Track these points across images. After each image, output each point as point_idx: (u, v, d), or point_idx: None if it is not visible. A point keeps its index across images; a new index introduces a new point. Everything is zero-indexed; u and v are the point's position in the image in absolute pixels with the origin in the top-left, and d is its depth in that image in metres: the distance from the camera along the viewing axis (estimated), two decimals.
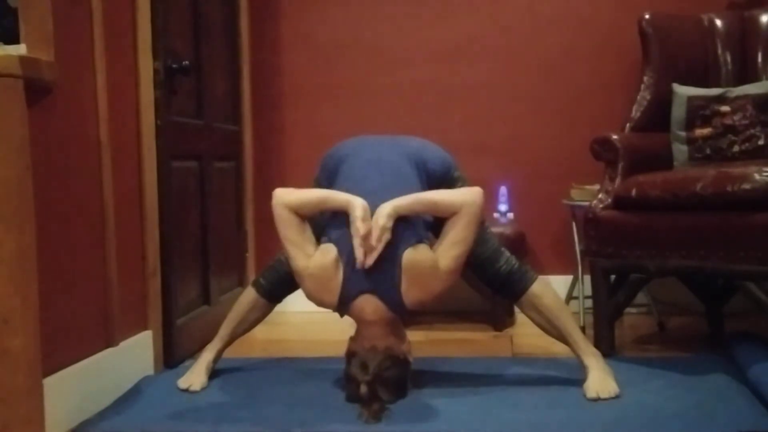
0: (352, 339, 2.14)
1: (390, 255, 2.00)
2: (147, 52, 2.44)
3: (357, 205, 2.00)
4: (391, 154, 2.23)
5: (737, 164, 2.38)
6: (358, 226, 1.96)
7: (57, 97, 1.94)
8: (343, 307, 2.06)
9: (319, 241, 2.11)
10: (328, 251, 2.04)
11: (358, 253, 1.97)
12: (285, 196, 2.09)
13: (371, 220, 1.99)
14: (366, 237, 1.96)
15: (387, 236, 1.97)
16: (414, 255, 2.00)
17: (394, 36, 3.49)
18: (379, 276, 2.00)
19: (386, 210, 1.98)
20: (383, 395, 2.01)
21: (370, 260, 1.97)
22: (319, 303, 2.09)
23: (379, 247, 1.96)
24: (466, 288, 2.99)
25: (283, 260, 2.26)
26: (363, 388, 1.98)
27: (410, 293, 2.02)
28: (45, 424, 1.78)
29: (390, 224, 1.97)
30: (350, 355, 2.10)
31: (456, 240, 1.99)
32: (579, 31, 3.41)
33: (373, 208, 2.01)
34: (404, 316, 2.10)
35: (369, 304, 2.03)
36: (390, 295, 2.02)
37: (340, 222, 2.05)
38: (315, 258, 2.04)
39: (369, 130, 2.73)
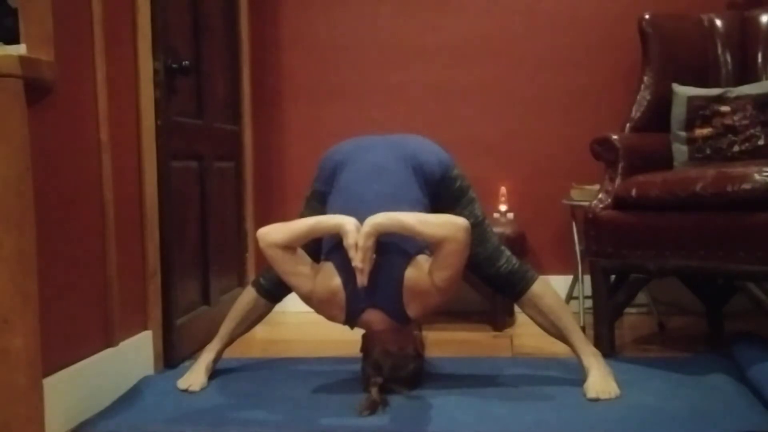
0: (365, 336, 2.19)
1: (390, 270, 2.02)
2: (147, 52, 2.44)
3: (348, 230, 1.97)
4: (388, 160, 2.22)
5: (737, 164, 2.37)
6: (352, 256, 1.96)
7: (57, 97, 1.94)
8: (350, 322, 2.10)
9: (312, 253, 2.13)
10: (329, 271, 2.06)
11: (358, 276, 1.98)
12: (271, 236, 2.04)
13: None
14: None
15: (370, 254, 1.97)
16: (415, 273, 2.01)
17: (394, 36, 3.49)
18: (381, 291, 2.03)
19: (365, 229, 1.96)
20: (398, 390, 2.11)
21: (365, 279, 1.98)
22: (329, 318, 2.13)
23: (366, 267, 1.97)
24: (466, 288, 2.99)
25: None
26: (374, 391, 2.03)
27: (411, 306, 2.04)
28: (45, 424, 1.78)
29: (370, 243, 1.96)
30: (365, 352, 2.17)
31: (444, 265, 1.97)
32: (579, 31, 3.41)
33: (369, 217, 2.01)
34: (408, 324, 2.13)
35: (375, 317, 2.07)
36: (393, 309, 2.05)
37: (336, 238, 2.05)
38: (318, 281, 2.06)
39: (369, 130, 2.73)
